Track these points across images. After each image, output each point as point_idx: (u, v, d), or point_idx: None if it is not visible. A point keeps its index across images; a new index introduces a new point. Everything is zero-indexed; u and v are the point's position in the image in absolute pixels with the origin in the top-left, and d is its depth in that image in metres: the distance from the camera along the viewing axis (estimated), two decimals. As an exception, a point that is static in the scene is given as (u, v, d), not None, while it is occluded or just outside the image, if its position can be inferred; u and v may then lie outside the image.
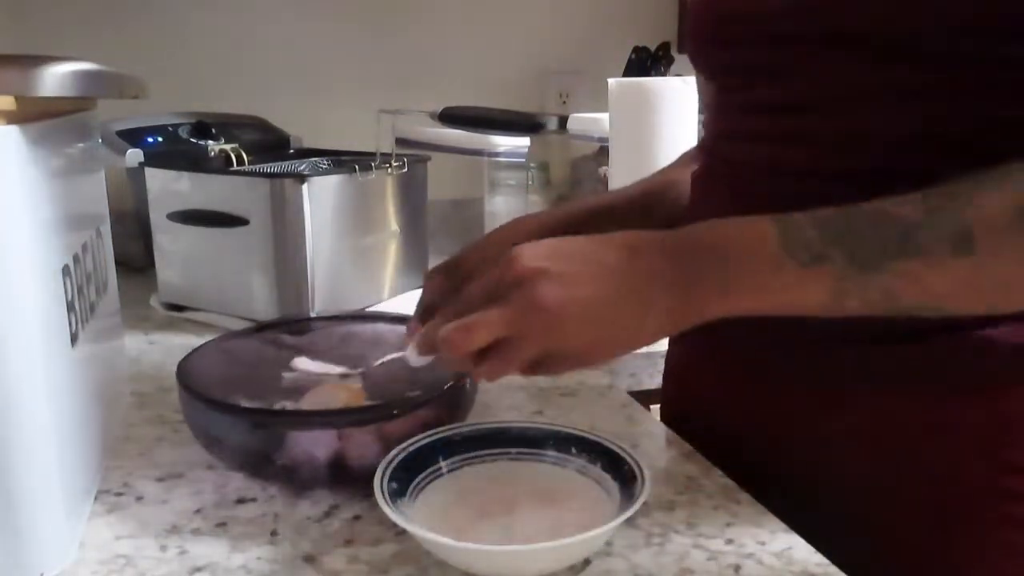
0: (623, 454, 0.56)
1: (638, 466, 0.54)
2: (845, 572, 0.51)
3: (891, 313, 0.48)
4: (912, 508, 0.58)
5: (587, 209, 0.75)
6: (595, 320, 0.47)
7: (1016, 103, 0.51)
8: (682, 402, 0.76)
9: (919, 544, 0.58)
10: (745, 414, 0.66)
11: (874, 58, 0.53)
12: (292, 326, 0.80)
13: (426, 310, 0.64)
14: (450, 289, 0.65)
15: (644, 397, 0.84)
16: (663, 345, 0.77)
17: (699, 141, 0.73)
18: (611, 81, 1.14)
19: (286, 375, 0.71)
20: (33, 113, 0.48)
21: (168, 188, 1.02)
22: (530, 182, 1.41)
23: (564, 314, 0.47)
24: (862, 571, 0.51)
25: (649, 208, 0.77)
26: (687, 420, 0.73)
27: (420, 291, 0.65)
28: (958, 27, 0.50)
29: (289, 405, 0.66)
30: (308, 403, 0.66)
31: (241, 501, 0.59)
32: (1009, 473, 0.55)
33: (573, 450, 0.59)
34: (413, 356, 0.55)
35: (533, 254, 0.48)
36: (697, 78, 0.77)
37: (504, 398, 0.78)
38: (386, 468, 0.54)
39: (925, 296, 0.47)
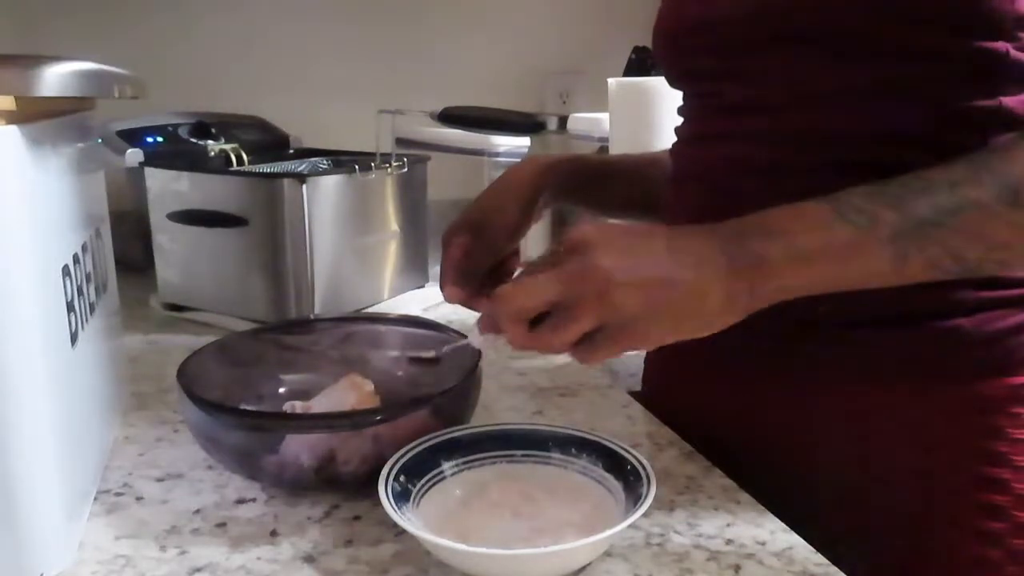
0: (626, 454, 0.56)
1: (643, 466, 0.54)
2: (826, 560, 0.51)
3: (961, 274, 0.48)
4: (890, 497, 0.58)
5: (597, 162, 0.78)
6: (648, 287, 0.46)
7: (974, 96, 0.53)
8: (661, 390, 0.76)
9: (898, 533, 0.58)
10: (722, 402, 0.66)
11: (835, 58, 0.55)
12: (292, 327, 0.80)
13: (457, 269, 0.65)
14: (477, 246, 0.66)
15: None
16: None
17: (671, 147, 0.74)
18: (611, 81, 1.14)
19: (287, 377, 0.71)
20: (33, 113, 0.48)
21: (168, 188, 1.02)
22: (530, 182, 1.40)
23: (617, 276, 0.46)
24: (840, 558, 0.51)
25: (648, 169, 0.79)
26: (665, 408, 0.73)
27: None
28: (913, 24, 0.52)
29: (299, 405, 0.66)
30: (319, 403, 0.65)
31: (241, 501, 0.59)
32: (985, 462, 0.56)
33: (574, 451, 0.59)
34: (476, 339, 0.56)
35: (592, 229, 0.48)
36: None
37: (504, 399, 0.78)
38: (389, 472, 0.54)
39: (988, 247, 0.47)
